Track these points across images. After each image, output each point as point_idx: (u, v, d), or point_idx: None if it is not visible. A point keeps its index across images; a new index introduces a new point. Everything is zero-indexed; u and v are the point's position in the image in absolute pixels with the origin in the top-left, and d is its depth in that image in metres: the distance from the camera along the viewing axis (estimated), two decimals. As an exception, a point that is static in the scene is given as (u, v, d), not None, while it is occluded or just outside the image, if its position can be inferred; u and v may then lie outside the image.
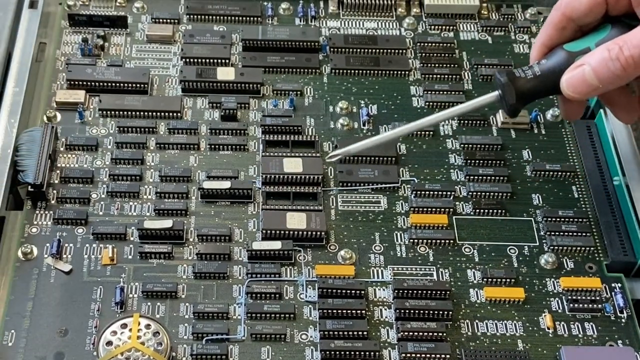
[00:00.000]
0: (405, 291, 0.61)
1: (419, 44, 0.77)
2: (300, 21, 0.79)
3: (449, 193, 0.68)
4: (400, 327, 0.59)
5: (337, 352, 0.58)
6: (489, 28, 0.80)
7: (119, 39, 0.76)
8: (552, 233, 0.66)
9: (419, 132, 0.71)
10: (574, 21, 0.61)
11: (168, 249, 0.63)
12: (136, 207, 0.66)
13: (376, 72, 0.76)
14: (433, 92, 0.74)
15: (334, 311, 0.60)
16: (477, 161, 0.70)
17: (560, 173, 0.70)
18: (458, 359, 0.59)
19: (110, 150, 0.68)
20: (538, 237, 0.66)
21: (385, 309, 0.61)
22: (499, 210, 0.67)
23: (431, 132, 0.71)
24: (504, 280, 0.63)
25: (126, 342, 0.57)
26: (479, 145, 0.71)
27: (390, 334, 0.60)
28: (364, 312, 0.60)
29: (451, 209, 0.67)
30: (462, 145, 0.71)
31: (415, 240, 0.65)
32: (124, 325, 0.58)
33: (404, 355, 0.58)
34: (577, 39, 0.61)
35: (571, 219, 0.66)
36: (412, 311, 0.60)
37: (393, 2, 0.80)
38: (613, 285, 0.63)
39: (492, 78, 0.71)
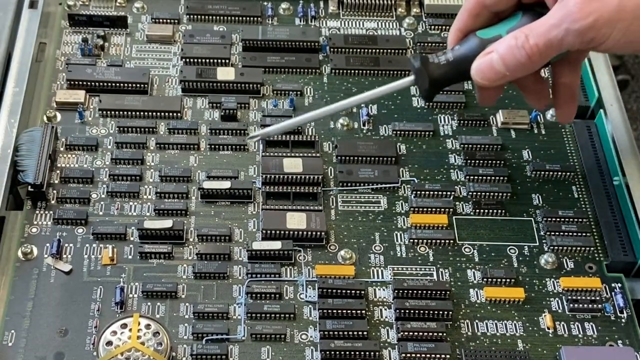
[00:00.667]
0: (405, 291, 0.61)
1: (419, 44, 0.77)
2: (300, 21, 0.79)
3: (449, 193, 0.68)
4: (400, 327, 0.59)
5: (337, 352, 0.58)
6: (489, 28, 0.80)
7: (119, 39, 0.76)
8: (552, 233, 0.66)
9: (418, 132, 0.71)
10: (487, 8, 0.61)
11: (168, 249, 0.63)
12: (136, 207, 0.66)
13: (376, 72, 0.76)
14: (433, 92, 0.74)
15: (334, 311, 0.60)
16: (477, 161, 0.70)
17: (560, 173, 0.70)
18: (458, 359, 0.59)
19: (110, 150, 0.68)
20: (538, 237, 0.66)
21: (385, 309, 0.61)
22: (499, 210, 0.67)
23: (431, 132, 0.71)
24: (504, 280, 0.63)
25: (126, 342, 0.57)
26: (479, 145, 0.71)
27: (390, 334, 0.60)
28: (364, 312, 0.60)
29: (451, 209, 0.67)
30: (462, 145, 0.71)
31: (415, 240, 0.65)
32: (124, 325, 0.58)
33: (404, 355, 0.58)
34: (490, 27, 0.62)
35: (571, 219, 0.66)
36: (412, 311, 0.60)
37: (393, 2, 0.80)
38: (613, 285, 0.63)
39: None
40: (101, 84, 0.72)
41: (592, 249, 0.65)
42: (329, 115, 0.70)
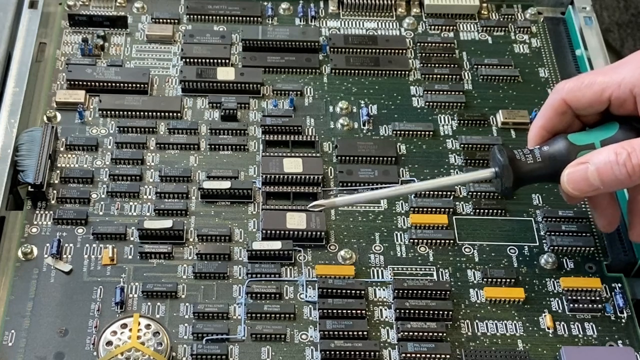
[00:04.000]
0: (405, 291, 0.61)
1: (419, 44, 0.77)
2: (300, 21, 0.79)
3: (449, 193, 0.68)
4: (400, 327, 0.59)
5: (337, 352, 0.58)
6: (489, 28, 0.80)
7: (119, 39, 0.76)
8: (552, 233, 0.66)
9: (418, 132, 0.71)
10: (573, 110, 0.59)
11: (168, 249, 0.63)
12: (136, 207, 0.66)
13: (376, 72, 0.76)
14: (433, 92, 0.74)
15: (334, 311, 0.60)
16: (477, 161, 0.70)
17: (560, 173, 0.69)
18: (458, 359, 0.59)
19: (110, 150, 0.68)
20: (538, 237, 0.66)
21: (385, 309, 0.61)
22: (499, 210, 0.67)
23: (431, 132, 0.71)
24: (504, 280, 0.63)
25: (126, 342, 0.57)
26: (479, 145, 0.71)
27: (390, 334, 0.60)
28: (364, 312, 0.60)
29: (451, 209, 0.67)
30: (462, 145, 0.71)
31: (415, 240, 0.65)
32: (124, 325, 0.58)
33: (404, 355, 0.58)
34: (582, 132, 0.59)
35: (571, 219, 0.66)
36: (412, 311, 0.60)
37: (393, 2, 0.80)
38: (613, 285, 0.63)
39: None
40: (101, 84, 0.72)
41: (592, 249, 0.65)
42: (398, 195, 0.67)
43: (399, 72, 0.76)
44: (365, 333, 0.59)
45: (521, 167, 0.59)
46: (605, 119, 0.59)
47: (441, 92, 0.74)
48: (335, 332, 0.59)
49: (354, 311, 0.60)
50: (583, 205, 0.68)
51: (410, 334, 0.59)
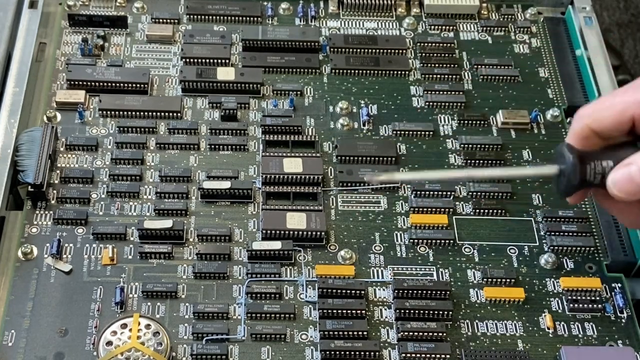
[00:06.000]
0: (405, 291, 0.61)
1: (419, 44, 0.77)
2: (300, 21, 0.79)
3: (449, 193, 0.68)
4: (400, 327, 0.59)
5: (337, 352, 0.58)
6: (489, 28, 0.80)
7: (119, 39, 0.76)
8: (552, 233, 0.66)
9: (419, 132, 0.71)
10: (597, 134, 0.57)
11: (168, 249, 0.63)
12: (136, 207, 0.66)
13: (376, 72, 0.76)
14: (433, 92, 0.74)
15: (334, 311, 0.60)
16: (477, 161, 0.70)
17: (560, 173, 0.69)
18: (458, 359, 0.59)
19: (110, 150, 0.68)
20: (538, 237, 0.66)
21: (385, 309, 0.61)
22: (499, 210, 0.67)
23: (431, 132, 0.71)
24: (504, 280, 0.63)
25: (126, 342, 0.57)
26: (479, 145, 0.71)
27: (390, 334, 0.60)
28: (364, 312, 0.60)
29: (451, 209, 0.67)
30: (462, 145, 0.71)
31: (415, 240, 0.65)
32: (124, 325, 0.58)
33: (404, 355, 0.58)
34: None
35: (571, 219, 0.66)
36: (412, 311, 0.60)
37: (393, 2, 0.80)
38: (613, 285, 0.63)
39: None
40: (101, 84, 0.72)
41: (592, 249, 0.65)
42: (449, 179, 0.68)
43: (399, 72, 0.76)
44: (365, 333, 0.59)
45: (587, 160, 0.56)
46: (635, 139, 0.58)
47: (441, 92, 0.74)
48: (335, 332, 0.59)
49: (354, 311, 0.60)
50: (583, 205, 0.68)
51: (410, 334, 0.59)
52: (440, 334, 0.59)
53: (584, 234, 0.66)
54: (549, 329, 0.61)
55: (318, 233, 0.64)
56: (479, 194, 0.68)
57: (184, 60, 0.74)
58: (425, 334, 0.59)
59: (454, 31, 0.79)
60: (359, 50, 0.77)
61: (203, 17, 0.78)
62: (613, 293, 0.63)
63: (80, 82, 0.72)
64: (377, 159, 0.69)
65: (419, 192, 0.67)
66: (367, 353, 0.58)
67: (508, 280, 0.63)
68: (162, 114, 0.71)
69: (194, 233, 0.64)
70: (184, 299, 0.61)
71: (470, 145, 0.71)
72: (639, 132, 0.56)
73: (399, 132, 0.71)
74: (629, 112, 0.55)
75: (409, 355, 0.58)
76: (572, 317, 0.62)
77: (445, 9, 0.80)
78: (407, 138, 0.71)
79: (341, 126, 0.72)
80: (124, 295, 0.60)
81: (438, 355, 0.58)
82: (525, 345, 0.60)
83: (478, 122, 0.73)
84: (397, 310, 0.61)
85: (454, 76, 0.75)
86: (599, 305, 0.62)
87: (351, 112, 0.73)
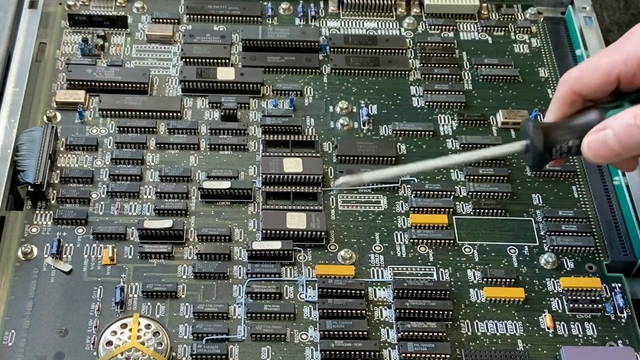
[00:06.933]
0: (405, 291, 0.61)
1: (419, 44, 0.77)
2: (300, 21, 0.79)
3: (449, 193, 0.68)
4: (400, 327, 0.59)
5: (337, 352, 0.58)
6: (489, 28, 0.80)
7: (119, 39, 0.76)
8: (552, 233, 0.66)
9: (419, 132, 0.71)
10: (583, 97, 0.57)
11: (168, 249, 0.63)
12: (136, 207, 0.66)
13: (376, 72, 0.76)
14: (433, 92, 0.74)
15: (334, 311, 0.60)
16: (477, 161, 0.70)
17: (560, 173, 0.70)
18: (458, 359, 0.59)
19: (110, 150, 0.68)
20: (538, 237, 0.66)
21: (385, 309, 0.61)
22: (499, 210, 0.67)
23: (431, 132, 0.71)
24: (504, 280, 0.63)
25: (126, 342, 0.57)
26: (479, 145, 0.70)
27: (390, 334, 0.60)
28: (364, 312, 0.60)
29: (451, 209, 0.67)
30: (462, 145, 0.71)
31: (415, 240, 0.65)
32: (124, 325, 0.58)
33: (404, 355, 0.58)
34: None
35: (571, 219, 0.66)
36: (412, 311, 0.60)
37: (393, 2, 0.80)
38: (613, 285, 0.63)
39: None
40: (101, 84, 0.72)
41: (592, 249, 0.65)
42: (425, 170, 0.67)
43: (399, 72, 0.76)
44: (365, 333, 0.59)
45: (551, 132, 0.56)
46: (617, 97, 0.58)
47: (441, 92, 0.74)
48: (335, 332, 0.59)
49: (354, 311, 0.60)
50: (583, 205, 0.68)
51: (410, 333, 0.59)
52: (440, 334, 0.59)
53: (584, 234, 0.66)
54: (549, 328, 0.61)
55: (318, 233, 0.64)
56: (479, 194, 0.68)
57: (184, 60, 0.74)
58: (425, 334, 0.59)
59: (454, 31, 0.79)
60: (359, 50, 0.77)
61: (203, 17, 0.78)
62: (613, 293, 0.63)
63: (80, 82, 0.72)
64: (377, 159, 0.69)
65: (419, 192, 0.67)
66: (367, 353, 0.58)
67: (508, 280, 0.63)
68: (162, 114, 0.71)
69: (194, 233, 0.64)
70: (184, 298, 0.61)
71: (470, 145, 0.70)
72: (624, 90, 0.56)
73: (399, 132, 0.71)
74: (615, 72, 0.55)
75: (409, 355, 0.58)
76: (572, 317, 0.62)
77: (445, 9, 0.80)
78: (407, 138, 0.71)
79: (341, 126, 0.72)
80: (124, 295, 0.60)
81: (438, 355, 0.58)
82: (525, 345, 0.60)
83: (478, 122, 0.73)
84: (397, 310, 0.61)
85: (454, 76, 0.75)
86: (599, 305, 0.62)
87: (351, 112, 0.73)
